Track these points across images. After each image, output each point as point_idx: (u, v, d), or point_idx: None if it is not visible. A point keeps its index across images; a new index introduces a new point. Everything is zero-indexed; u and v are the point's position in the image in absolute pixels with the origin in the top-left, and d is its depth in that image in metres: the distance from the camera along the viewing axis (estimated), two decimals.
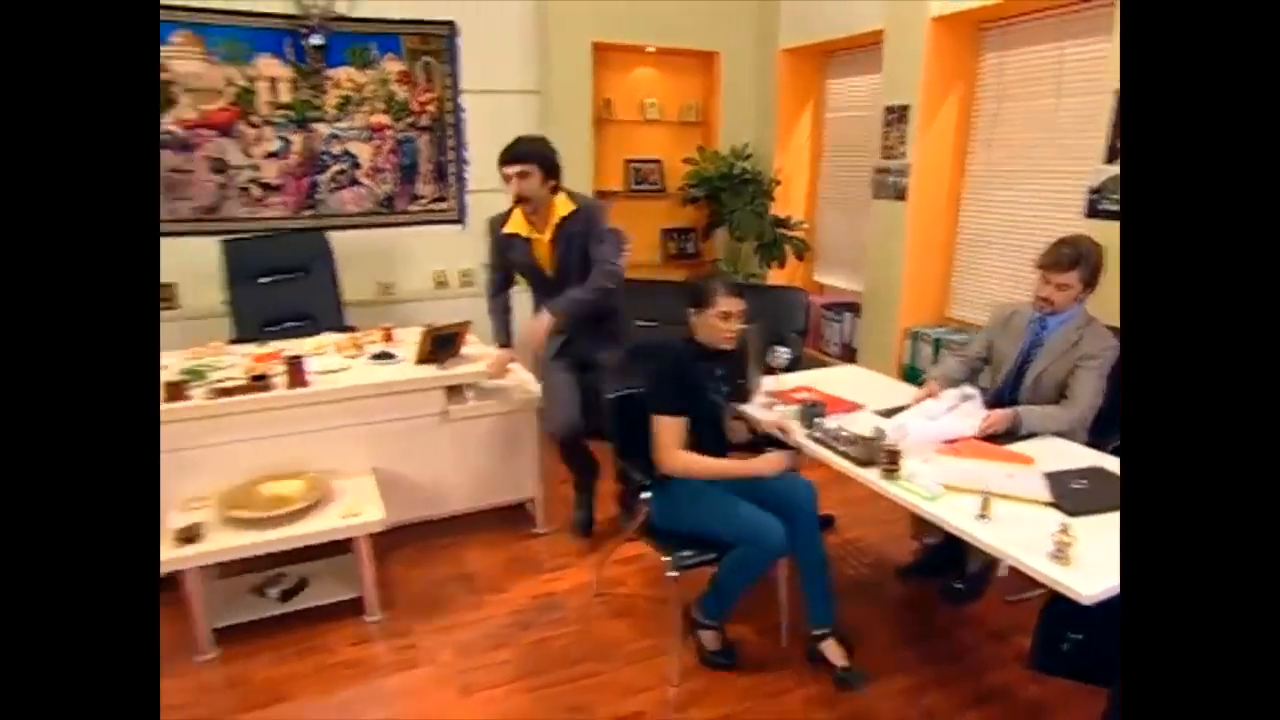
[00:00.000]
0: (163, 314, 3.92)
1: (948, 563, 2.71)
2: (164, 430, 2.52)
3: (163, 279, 3.99)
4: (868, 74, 4.29)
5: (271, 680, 2.31)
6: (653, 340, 3.12)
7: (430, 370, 2.88)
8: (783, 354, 2.67)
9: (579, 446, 3.01)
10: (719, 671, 2.33)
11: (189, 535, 2.31)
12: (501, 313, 3.08)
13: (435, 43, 4.25)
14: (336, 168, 4.22)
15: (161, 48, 3.78)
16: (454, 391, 2.93)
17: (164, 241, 3.96)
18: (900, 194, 3.73)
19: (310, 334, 3.44)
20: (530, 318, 2.90)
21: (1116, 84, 2.75)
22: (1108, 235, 2.61)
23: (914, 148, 3.63)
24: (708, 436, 2.34)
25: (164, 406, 2.50)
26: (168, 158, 3.91)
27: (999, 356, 2.61)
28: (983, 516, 1.83)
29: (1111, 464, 2.12)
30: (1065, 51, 3.21)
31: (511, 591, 2.75)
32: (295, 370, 2.65)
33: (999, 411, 2.33)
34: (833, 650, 2.29)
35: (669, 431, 2.22)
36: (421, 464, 2.90)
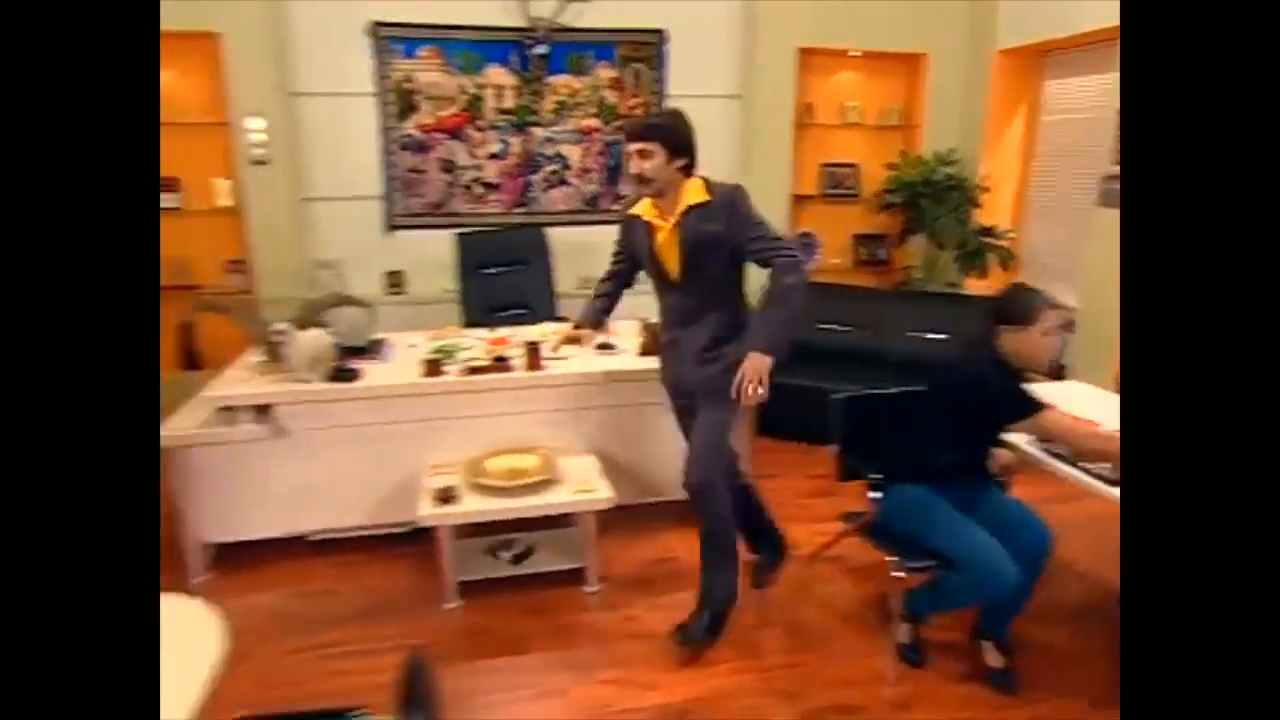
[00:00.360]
0: (394, 299, 4.38)
1: None
2: (422, 401, 2.85)
3: (393, 267, 4.46)
4: (1092, 74, 4.05)
5: (509, 632, 2.54)
6: (949, 360, 2.48)
7: (651, 362, 3.04)
8: None
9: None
10: (919, 669, 2.34)
11: (445, 496, 2.59)
12: (604, 297, 2.77)
13: (645, 50, 4.45)
14: (549, 168, 4.52)
15: (408, 60, 4.22)
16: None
17: (399, 234, 4.43)
18: None
19: (527, 322, 3.72)
20: (743, 362, 2.23)
21: None
22: None
23: None
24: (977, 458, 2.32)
25: (424, 381, 2.81)
26: (406, 158, 4.36)
27: None
28: None
29: None
30: None
31: None
32: (534, 355, 2.89)
33: None
34: (991, 654, 2.31)
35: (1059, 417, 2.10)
36: (637, 450, 3.07)
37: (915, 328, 4.19)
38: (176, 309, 4.35)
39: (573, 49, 4.36)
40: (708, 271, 2.37)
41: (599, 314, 2.78)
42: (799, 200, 4.70)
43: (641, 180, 2.35)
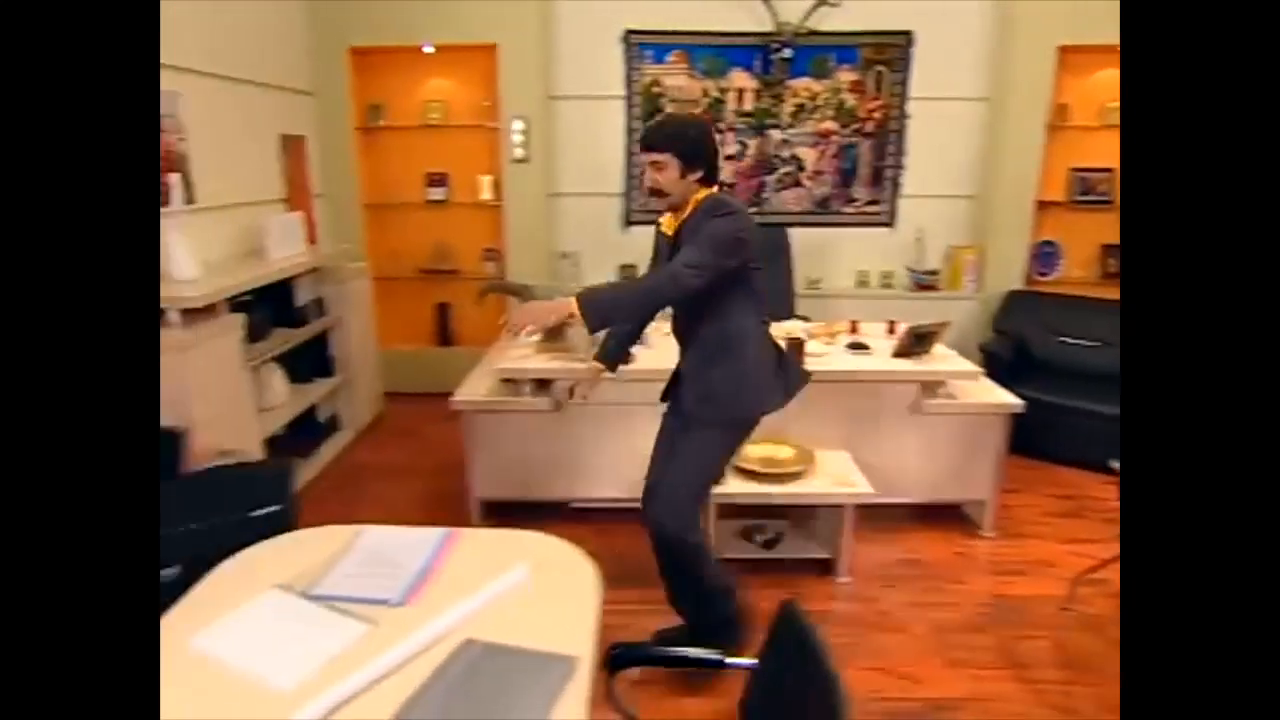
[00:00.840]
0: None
1: None
2: None
3: (626, 261, 4.72)
4: None
5: (766, 611, 2.65)
6: None
7: (907, 364, 3.05)
8: None
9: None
10: None
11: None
12: (624, 332, 2.54)
13: (890, 52, 4.42)
14: (784, 170, 4.61)
15: (657, 65, 4.45)
16: (926, 386, 3.06)
17: (634, 230, 4.68)
18: None
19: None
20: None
21: None
22: None
23: None
24: None
25: None
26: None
27: None
28: None
29: None
30: None
31: (970, 585, 2.82)
32: (799, 351, 2.98)
33: None
34: None
35: None
36: (887, 450, 3.09)
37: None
38: (436, 291, 4.89)
39: (816, 52, 4.42)
40: None
41: (620, 351, 2.56)
42: (1043, 206, 4.48)
43: (655, 193, 2.19)
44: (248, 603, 1.48)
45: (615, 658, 1.43)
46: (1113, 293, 4.54)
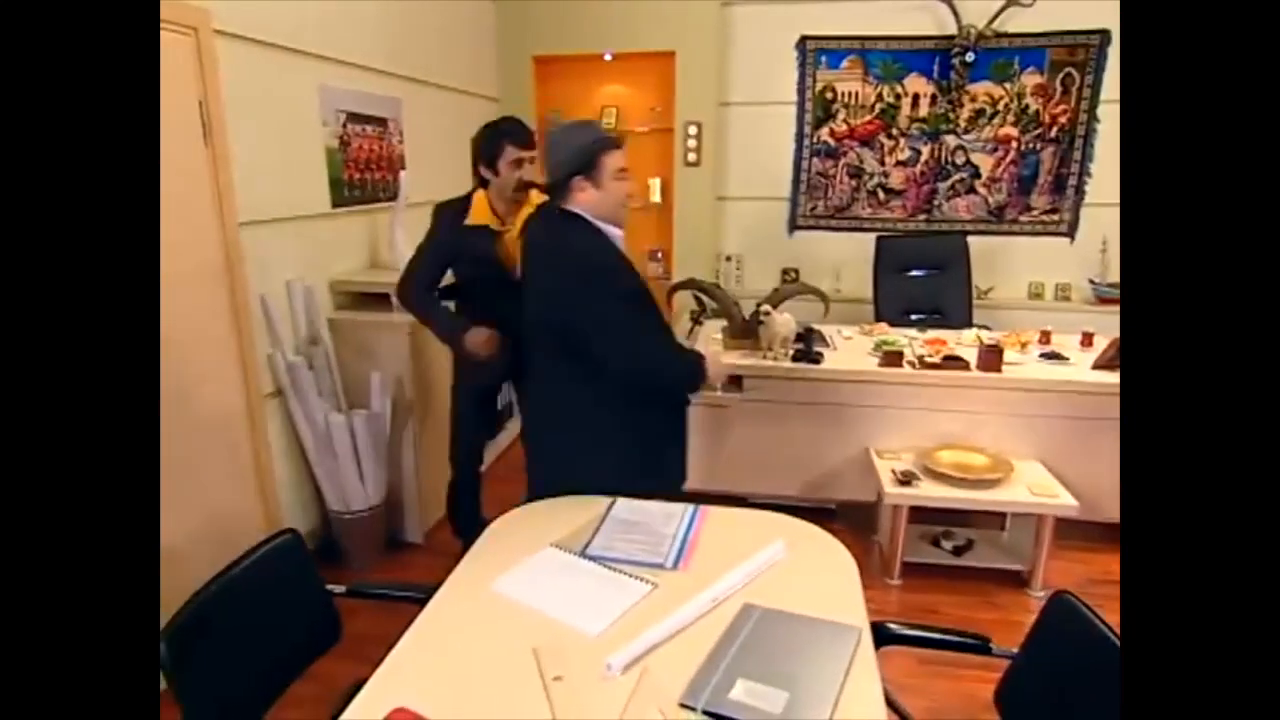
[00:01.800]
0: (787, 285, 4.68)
1: None
2: (874, 389, 3.03)
3: (789, 265, 4.75)
4: None
5: (960, 618, 2.62)
6: None
7: (1108, 376, 2.94)
8: None
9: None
10: None
11: (906, 479, 2.74)
12: (439, 304, 2.53)
13: (1081, 54, 4.26)
14: (957, 176, 4.52)
15: (832, 71, 4.47)
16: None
17: (799, 234, 4.70)
18: None
19: (940, 326, 3.76)
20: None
21: None
22: None
23: None
24: None
25: (882, 370, 2.99)
26: (816, 163, 4.62)
27: None
28: None
29: None
30: None
31: None
32: (993, 356, 2.94)
33: None
34: None
35: None
36: (1082, 465, 2.98)
37: None
38: None
39: (999, 55, 4.31)
40: None
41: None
42: None
43: (527, 186, 2.38)
44: (531, 557, 1.62)
45: (879, 635, 1.48)
46: None
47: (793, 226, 4.74)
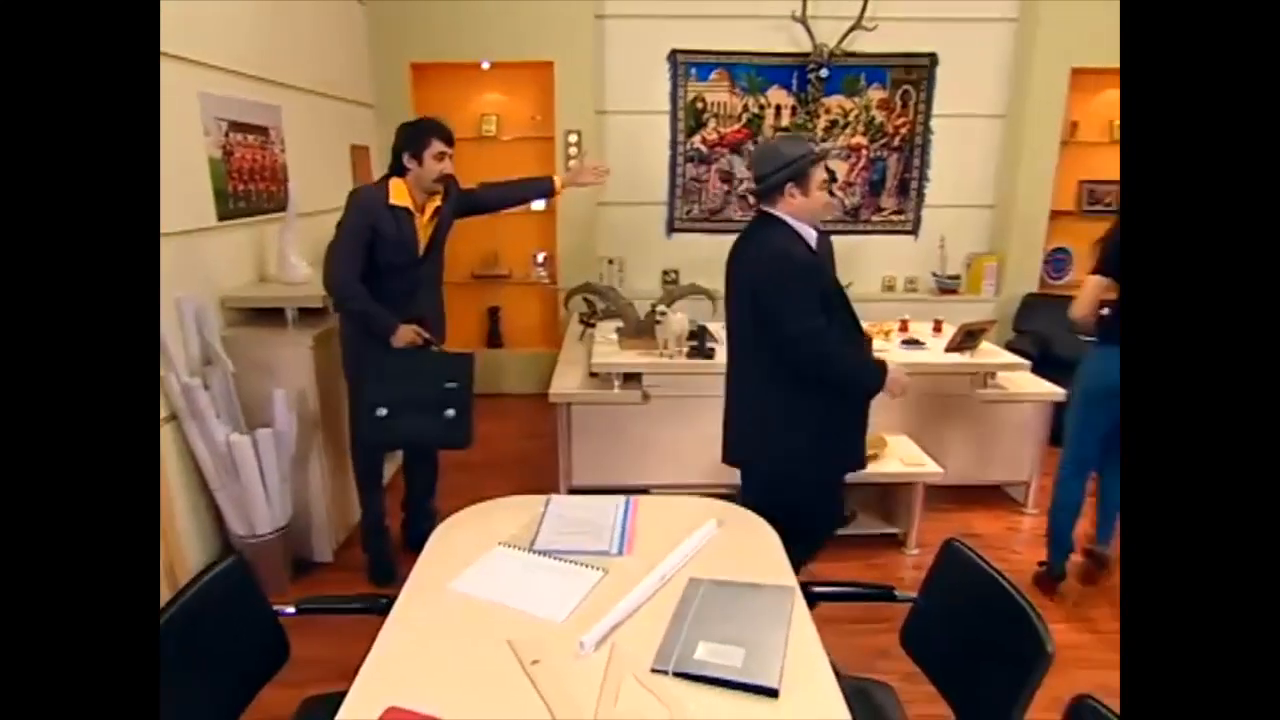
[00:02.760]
0: (677, 285, 4.92)
1: None
2: None
3: (669, 266, 5.00)
4: None
5: (843, 575, 2.93)
6: None
7: (958, 357, 3.37)
8: None
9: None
10: None
11: None
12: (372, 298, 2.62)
13: (916, 73, 4.78)
14: None
15: (701, 83, 4.75)
16: (977, 378, 3.38)
17: (676, 237, 4.96)
18: None
19: None
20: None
21: None
22: None
23: None
24: None
25: None
26: (690, 169, 4.89)
27: None
28: None
29: None
30: None
31: (1024, 555, 3.14)
32: (868, 346, 3.27)
33: None
34: None
35: None
36: (943, 436, 3.40)
37: None
38: (487, 295, 5.11)
39: (848, 72, 4.75)
40: (441, 251, 2.88)
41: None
42: (1055, 216, 4.86)
43: (447, 177, 2.69)
44: (482, 556, 1.71)
45: (809, 593, 1.69)
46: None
47: (670, 229, 4.98)
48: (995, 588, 1.54)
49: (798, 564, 1.89)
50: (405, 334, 2.65)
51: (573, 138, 4.66)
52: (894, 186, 4.94)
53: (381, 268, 2.65)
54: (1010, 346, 4.37)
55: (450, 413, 2.65)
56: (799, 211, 2.17)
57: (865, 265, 5.02)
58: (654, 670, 1.33)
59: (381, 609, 1.58)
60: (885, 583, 1.85)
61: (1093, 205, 4.91)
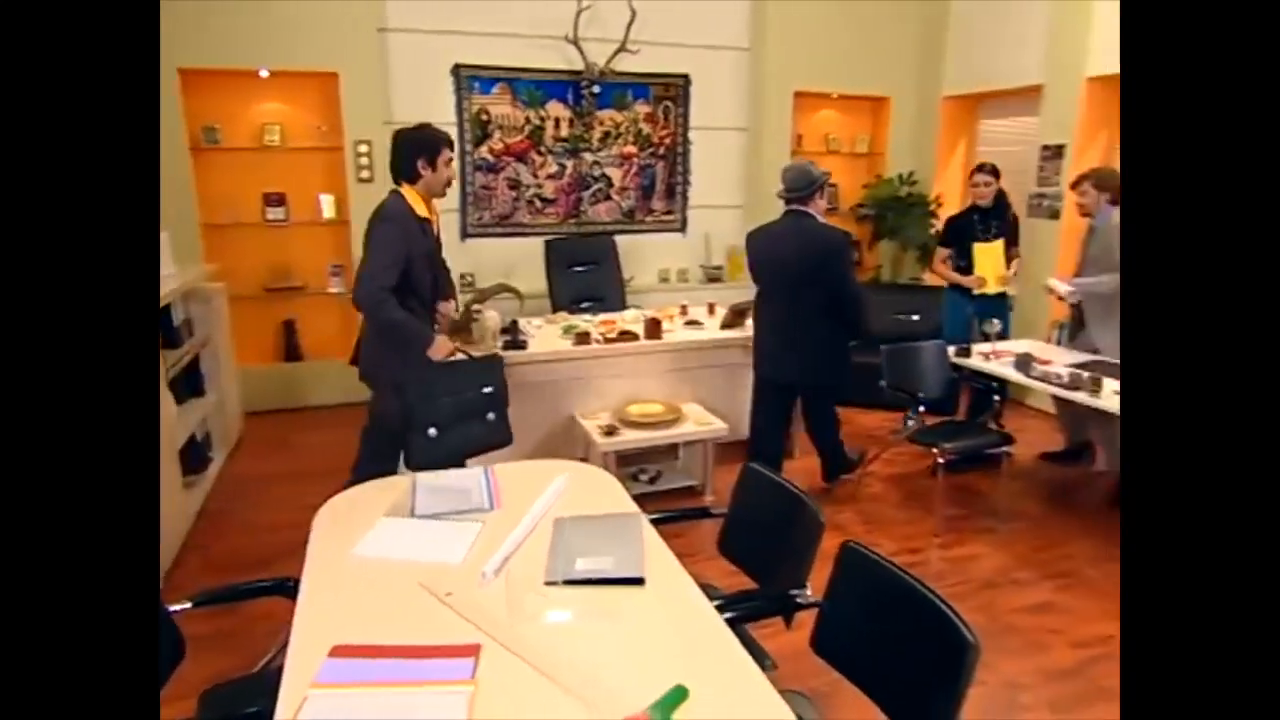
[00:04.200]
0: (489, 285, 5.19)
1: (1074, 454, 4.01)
2: (572, 365, 3.73)
3: (465, 270, 5.26)
4: (1016, 117, 5.38)
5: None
6: None
7: (731, 333, 4.05)
8: (997, 324, 3.78)
9: None
10: (963, 533, 3.44)
11: (610, 431, 3.50)
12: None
13: (674, 90, 5.47)
14: (596, 187, 5.46)
15: (485, 96, 5.07)
16: (747, 348, 4.08)
17: (470, 242, 5.24)
18: (1054, 214, 4.82)
19: (604, 309, 4.63)
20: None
21: None
22: None
23: (1067, 178, 4.72)
24: None
25: (577, 348, 3.70)
26: (479, 177, 5.19)
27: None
28: None
29: None
30: None
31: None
32: (654, 327, 3.83)
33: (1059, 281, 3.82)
34: None
35: None
36: (723, 398, 4.06)
37: (895, 311, 5.37)
38: (281, 308, 5.03)
39: (617, 88, 5.32)
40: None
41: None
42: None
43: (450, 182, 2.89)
44: (373, 527, 1.96)
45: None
46: None
47: (464, 234, 5.23)
48: (895, 582, 1.58)
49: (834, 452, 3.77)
50: (443, 346, 2.74)
51: (363, 148, 4.75)
52: (663, 190, 5.62)
53: (413, 283, 2.70)
54: None
55: (491, 416, 2.72)
56: (819, 211, 3.38)
57: (644, 260, 5.64)
58: (546, 583, 1.70)
59: (290, 590, 1.75)
60: (697, 506, 2.36)
61: None
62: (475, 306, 3.53)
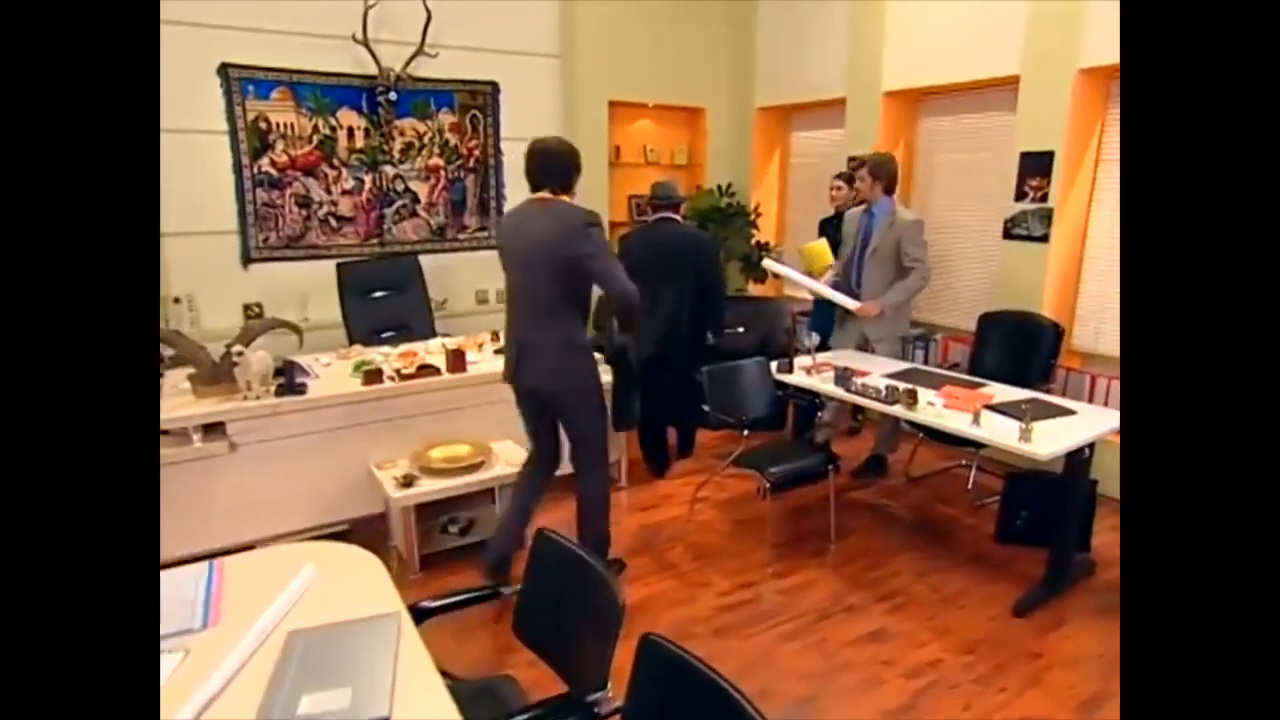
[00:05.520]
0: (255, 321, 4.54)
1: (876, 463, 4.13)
2: (362, 408, 3.26)
3: (251, 300, 4.61)
4: (826, 129, 5.46)
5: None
6: None
7: None
8: (815, 337, 3.71)
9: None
10: (797, 559, 3.31)
11: (407, 481, 3.07)
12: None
13: (482, 99, 5.10)
14: (400, 203, 4.97)
15: (262, 101, 4.45)
16: None
17: (255, 268, 4.61)
18: None
19: (409, 339, 4.17)
20: None
21: (1021, 146, 3.99)
22: (1019, 251, 3.88)
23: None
24: None
25: (366, 389, 3.23)
26: (261, 194, 4.56)
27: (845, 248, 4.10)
28: (976, 423, 2.90)
29: (1043, 397, 3.26)
30: (982, 121, 4.47)
31: (624, 525, 3.61)
32: (457, 359, 3.44)
33: (870, 303, 3.81)
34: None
35: None
36: None
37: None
38: None
39: (418, 96, 4.87)
40: None
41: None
42: (615, 226, 5.61)
43: None
44: None
45: (417, 615, 1.76)
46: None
47: (247, 259, 4.58)
48: (578, 562, 1.79)
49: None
50: None
51: None
52: (475, 205, 5.22)
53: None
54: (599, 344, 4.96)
55: None
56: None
57: (458, 282, 5.21)
58: None
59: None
60: (492, 588, 2.01)
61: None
62: (236, 348, 2.98)
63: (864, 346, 4.00)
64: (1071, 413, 3.04)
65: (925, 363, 4.71)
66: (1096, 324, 4.05)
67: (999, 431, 2.82)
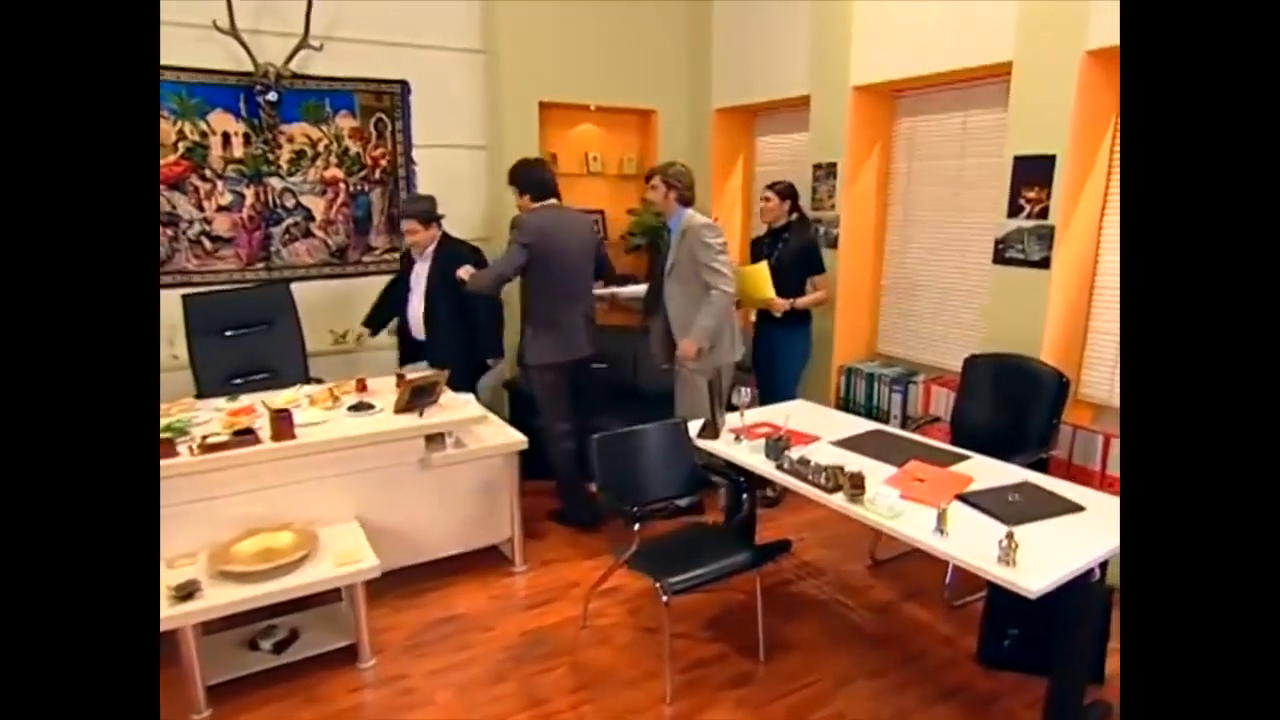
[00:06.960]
0: None
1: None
2: (164, 486, 2.54)
3: None
4: (798, 132, 4.68)
5: None
6: None
7: (410, 420, 2.99)
8: (746, 393, 2.92)
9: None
10: (708, 690, 2.52)
11: (186, 592, 2.33)
12: None
13: (388, 100, 4.39)
14: (291, 220, 4.27)
15: None
16: (433, 440, 3.03)
17: None
18: (832, 243, 4.11)
19: (274, 386, 3.46)
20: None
21: (1014, 149, 3.20)
22: (1014, 279, 3.06)
23: (842, 200, 4.03)
24: None
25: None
26: None
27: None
28: (940, 531, 2.11)
29: (1036, 478, 2.46)
30: (968, 119, 3.67)
31: (500, 629, 2.86)
32: (283, 423, 2.71)
33: (687, 343, 3.37)
34: None
35: None
36: (403, 510, 2.98)
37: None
38: None
39: (308, 97, 4.18)
40: None
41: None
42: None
43: None
44: None
45: None
46: (617, 319, 5.12)
47: None
48: None
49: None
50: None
51: None
52: (383, 223, 4.51)
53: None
54: (510, 386, 4.22)
55: None
56: None
57: (364, 310, 4.49)
58: None
59: None
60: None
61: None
62: None
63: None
64: (1078, 508, 2.24)
65: (903, 410, 3.91)
66: (1111, 370, 3.23)
67: (970, 547, 2.03)
